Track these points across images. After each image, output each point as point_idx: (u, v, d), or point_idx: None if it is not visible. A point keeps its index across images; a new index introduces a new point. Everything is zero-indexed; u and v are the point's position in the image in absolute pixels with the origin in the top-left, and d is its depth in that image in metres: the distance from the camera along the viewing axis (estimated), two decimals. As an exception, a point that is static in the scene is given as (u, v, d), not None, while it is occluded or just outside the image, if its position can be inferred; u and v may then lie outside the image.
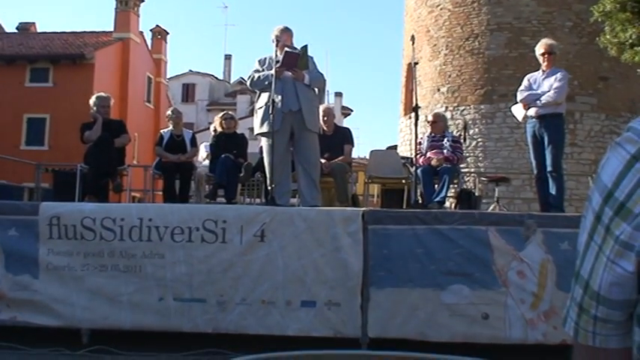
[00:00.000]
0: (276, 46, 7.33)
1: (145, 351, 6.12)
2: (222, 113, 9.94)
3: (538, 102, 7.62)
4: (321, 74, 7.61)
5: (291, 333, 6.14)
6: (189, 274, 6.31)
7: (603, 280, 1.04)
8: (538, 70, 7.96)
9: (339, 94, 47.91)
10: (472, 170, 16.85)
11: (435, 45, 19.75)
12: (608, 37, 12.86)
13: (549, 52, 7.80)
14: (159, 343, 6.26)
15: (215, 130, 9.84)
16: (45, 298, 6.36)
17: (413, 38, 9.03)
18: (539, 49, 7.90)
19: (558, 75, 7.72)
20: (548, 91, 7.61)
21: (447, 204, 9.31)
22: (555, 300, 5.93)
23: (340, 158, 8.61)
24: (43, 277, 6.40)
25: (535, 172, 7.92)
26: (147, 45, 34.89)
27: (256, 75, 7.40)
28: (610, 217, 1.02)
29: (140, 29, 33.34)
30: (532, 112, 7.73)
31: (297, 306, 6.21)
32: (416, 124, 7.91)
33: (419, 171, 8.33)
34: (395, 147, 21.00)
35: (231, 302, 6.25)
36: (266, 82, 7.23)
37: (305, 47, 7.34)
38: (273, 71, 7.13)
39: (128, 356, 6.05)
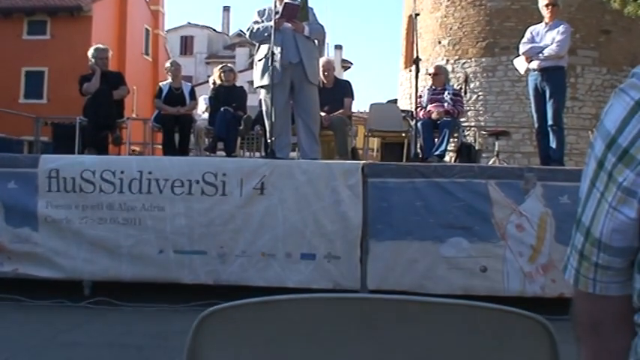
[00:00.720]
0: (276, -4, 7.24)
1: (147, 302, 6.19)
2: (220, 66, 9.86)
3: (540, 55, 7.56)
4: (321, 26, 7.52)
5: (290, 285, 6.19)
6: (190, 227, 6.33)
7: (605, 227, 1.04)
8: (540, 22, 7.88)
9: (338, 47, 47.55)
10: (472, 124, 16.79)
11: (437, -3, 19.51)
12: (611, -11, 12.71)
13: (553, 4, 7.71)
14: (160, 294, 6.31)
15: (214, 83, 9.78)
16: (45, 250, 6.39)
17: (414, -11, 8.92)
18: (543, 0, 7.82)
19: (561, 28, 7.64)
20: (551, 44, 7.55)
21: (447, 157, 9.30)
22: (554, 253, 5.96)
23: (340, 111, 8.57)
24: (43, 229, 6.42)
25: (536, 125, 7.90)
26: (144, -4, 34.48)
27: (255, 26, 7.31)
28: (613, 164, 1.02)
29: (137, -20, 32.92)
30: (534, 65, 7.68)
31: (297, 258, 6.25)
32: (416, 77, 7.85)
33: (419, 124, 8.30)
34: (395, 100, 20.90)
35: (232, 254, 6.29)
36: (265, 34, 7.15)
37: (305, -2, 7.25)
38: (272, 23, 7.04)
39: (130, 307, 6.12)
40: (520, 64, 7.89)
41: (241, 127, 9.01)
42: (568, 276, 1.14)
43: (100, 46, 9.37)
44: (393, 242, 6.18)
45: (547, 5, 7.74)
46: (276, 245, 6.27)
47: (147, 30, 34.08)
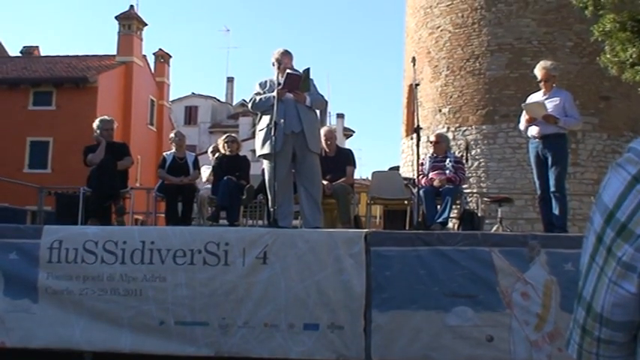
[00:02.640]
0: (277, 69, 7.37)
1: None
2: (224, 136, 9.95)
3: (564, 119, 7.60)
4: (322, 96, 7.64)
5: (294, 356, 6.10)
6: (191, 297, 6.28)
7: (606, 302, 1.03)
8: (539, 90, 7.97)
9: (340, 116, 48.03)
10: (475, 191, 16.81)
11: (436, 66, 19.81)
12: (608, 56, 12.88)
13: (545, 80, 7.81)
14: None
15: (215, 151, 9.85)
16: (45, 321, 6.33)
17: (414, 60, 9.04)
18: (536, 74, 7.93)
19: (568, 100, 7.72)
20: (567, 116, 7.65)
21: (450, 225, 9.28)
22: (559, 321, 5.89)
23: (342, 180, 8.60)
24: (43, 300, 6.38)
25: (538, 192, 7.90)
26: (150, 68, 35.06)
27: (257, 97, 7.42)
28: (612, 238, 1.02)
29: (143, 52, 33.51)
30: (535, 132, 7.73)
31: (300, 329, 6.17)
32: (418, 145, 7.90)
33: (421, 192, 8.30)
34: (397, 168, 20.97)
35: (234, 325, 6.22)
36: (268, 104, 7.25)
37: (307, 70, 7.37)
38: (274, 93, 7.15)
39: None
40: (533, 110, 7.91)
41: (244, 197, 9.03)
42: (571, 351, 1.13)
43: (106, 117, 9.48)
44: (397, 312, 6.11)
45: (540, 81, 7.86)
46: (279, 315, 6.20)
47: (152, 101, 34.55)
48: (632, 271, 1.00)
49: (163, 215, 9.63)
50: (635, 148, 1.04)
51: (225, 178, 8.87)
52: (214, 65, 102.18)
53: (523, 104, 7.98)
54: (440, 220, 8.18)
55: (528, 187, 14.31)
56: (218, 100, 51.58)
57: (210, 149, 10.54)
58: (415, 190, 8.59)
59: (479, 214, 10.03)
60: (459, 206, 9.27)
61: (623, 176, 1.03)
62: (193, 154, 10.23)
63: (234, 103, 53.30)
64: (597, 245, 1.05)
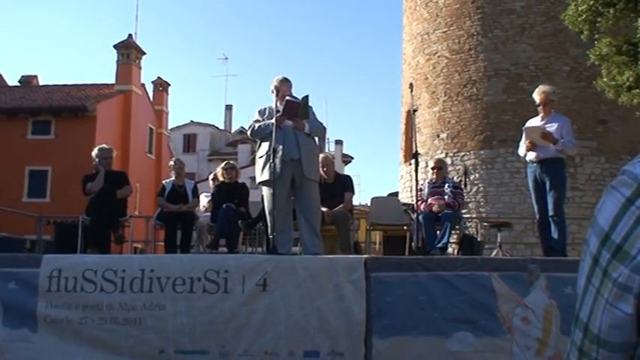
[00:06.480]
0: (276, 96, 7.41)
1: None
2: (223, 163, 9.97)
3: (562, 141, 7.61)
4: (321, 123, 7.67)
5: (294, 384, 6.06)
6: (191, 326, 6.25)
7: (602, 323, 1.04)
8: (537, 115, 8.00)
9: (339, 142, 48.10)
10: (474, 216, 16.81)
11: (434, 92, 19.91)
12: (605, 80, 12.95)
13: (544, 104, 7.85)
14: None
15: (213, 180, 9.87)
16: (44, 351, 6.30)
17: (411, 86, 9.10)
18: (535, 98, 7.96)
19: (566, 125, 7.75)
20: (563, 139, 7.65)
21: (450, 250, 9.27)
22: (560, 345, 5.87)
23: (341, 206, 8.60)
24: (42, 330, 6.35)
25: (537, 216, 7.90)
26: (148, 96, 35.15)
27: (257, 125, 7.45)
28: (607, 260, 1.03)
29: (142, 81, 33.63)
30: (533, 156, 7.75)
31: (301, 356, 6.14)
32: (416, 171, 7.93)
33: (420, 217, 8.31)
34: (396, 194, 20.99)
35: (234, 353, 6.19)
36: (267, 131, 7.28)
37: (306, 97, 7.40)
38: (273, 120, 7.18)
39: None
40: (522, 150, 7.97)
41: (242, 229, 9.01)
42: (569, 373, 1.13)
43: (105, 146, 9.51)
44: (398, 338, 6.08)
45: (539, 105, 7.89)
46: (279, 343, 6.17)
47: (151, 129, 34.60)
48: (628, 292, 1.01)
49: (162, 243, 9.62)
50: (628, 170, 1.05)
51: (224, 205, 8.87)
52: (213, 93, 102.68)
53: (524, 127, 8.00)
54: (439, 245, 8.17)
55: (527, 212, 14.31)
56: (217, 128, 51.75)
57: (210, 177, 10.56)
58: (414, 216, 8.60)
59: (478, 239, 10.03)
60: (458, 231, 9.26)
61: (617, 198, 1.04)
62: (192, 181, 10.25)
63: (232, 130, 53.47)
64: (593, 267, 1.06)
